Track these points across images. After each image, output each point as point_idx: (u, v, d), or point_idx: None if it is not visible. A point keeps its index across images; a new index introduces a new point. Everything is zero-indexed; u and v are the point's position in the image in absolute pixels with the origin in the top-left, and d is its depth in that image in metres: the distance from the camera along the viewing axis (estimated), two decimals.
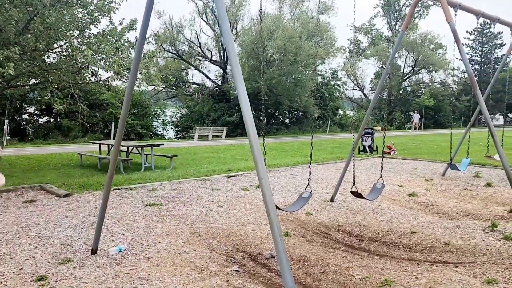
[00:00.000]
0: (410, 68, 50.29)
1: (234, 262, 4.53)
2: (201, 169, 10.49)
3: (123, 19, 10.42)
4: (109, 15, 9.74)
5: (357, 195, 5.15)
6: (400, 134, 32.08)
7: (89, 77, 9.82)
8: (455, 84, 55.45)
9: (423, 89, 51.60)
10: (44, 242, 4.83)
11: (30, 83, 11.10)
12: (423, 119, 45.96)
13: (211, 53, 32.28)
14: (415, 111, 43.60)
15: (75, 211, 6.28)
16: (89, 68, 9.16)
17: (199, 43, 31.72)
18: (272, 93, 27.49)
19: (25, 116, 23.86)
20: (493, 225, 5.21)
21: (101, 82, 9.87)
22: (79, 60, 8.13)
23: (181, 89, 32.29)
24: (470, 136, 9.70)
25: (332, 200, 7.01)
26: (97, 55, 8.30)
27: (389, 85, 48.48)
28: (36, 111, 24.05)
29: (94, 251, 4.50)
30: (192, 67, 32.36)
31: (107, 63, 8.08)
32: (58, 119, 23.71)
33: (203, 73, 32.71)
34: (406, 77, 51.05)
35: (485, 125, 44.48)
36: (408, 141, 22.90)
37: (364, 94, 52.48)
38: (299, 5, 30.39)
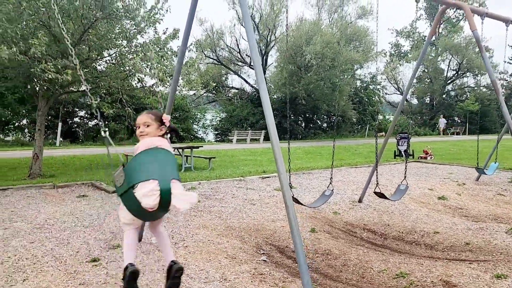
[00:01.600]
0: (454, 72, 48.79)
1: (263, 253, 4.96)
2: (238, 171, 11.01)
3: (167, 28, 11.14)
4: (154, 26, 10.48)
5: (380, 195, 5.44)
6: (441, 139, 31.35)
7: (135, 83, 10.61)
8: (502, 88, 53.15)
9: (467, 94, 49.91)
10: (96, 231, 5.47)
11: (82, 89, 12.07)
12: (467, 124, 44.52)
13: (250, 58, 32.97)
14: (441, 116, 42.47)
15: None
16: (136, 75, 9.91)
17: (239, 49, 32.52)
18: (310, 98, 27.75)
19: (76, 119, 25.46)
20: None
21: (145, 88, 10.62)
22: (128, 68, 8.88)
23: (221, 93, 33.19)
24: (500, 141, 9.65)
25: (360, 201, 7.29)
26: (143, 63, 9.00)
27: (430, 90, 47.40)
28: (86, 115, 25.59)
29: (139, 239, 5.07)
30: (231, 72, 33.19)
31: (153, 71, 8.77)
32: (106, 122, 25.11)
33: (242, 78, 33.52)
34: (449, 81, 49.57)
35: None
36: (448, 147, 22.46)
37: (405, 99, 51.33)
38: (338, 10, 30.51)
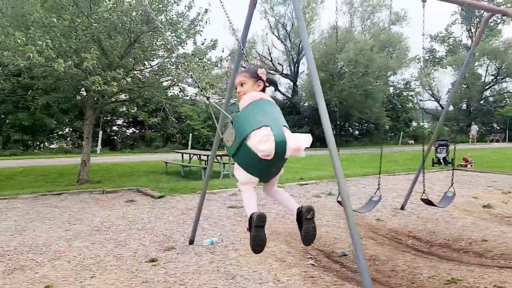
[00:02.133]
0: (493, 77, 47.35)
1: (310, 257, 5.09)
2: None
3: (205, 39, 11.50)
4: (194, 37, 10.86)
5: (428, 202, 5.47)
6: (480, 146, 30.46)
7: (177, 93, 11.01)
8: None
9: (507, 99, 48.24)
10: (149, 233, 5.77)
11: (121, 98, 12.59)
12: (507, 130, 43.02)
13: (282, 66, 33.27)
14: (473, 122, 40.90)
15: (170, 210, 7.24)
16: (179, 85, 10.30)
17: (271, 57, 32.87)
18: (342, 105, 27.68)
19: (114, 127, 26.38)
20: None
21: (186, 98, 11.00)
22: (170, 78, 9.26)
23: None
24: None
25: (402, 208, 7.30)
26: (186, 73, 9.36)
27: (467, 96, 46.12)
28: (124, 123, 26.48)
29: (191, 242, 5.32)
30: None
31: (196, 80, 9.10)
32: (143, 130, 25.92)
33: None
34: (487, 87, 48.13)
35: None
36: (488, 154, 21.84)
37: (440, 105, 50.25)
38: (371, 17, 30.38)
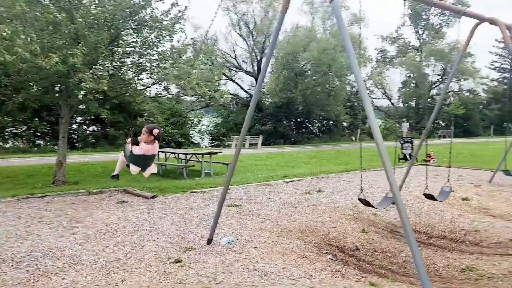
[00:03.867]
0: (439, 77, 50.22)
1: (326, 252, 5.30)
2: (259, 175, 11.32)
3: (186, 38, 11.37)
4: (173, 35, 10.71)
5: (430, 197, 5.86)
6: (432, 142, 32.24)
7: (161, 91, 10.86)
8: (484, 92, 55.04)
9: (451, 98, 51.37)
10: (162, 234, 5.73)
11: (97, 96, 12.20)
12: (453, 127, 45.83)
13: (246, 64, 33.40)
14: (403, 120, 40.73)
15: (170, 210, 7.19)
16: (162, 83, 10.16)
17: (235, 54, 32.92)
18: (305, 103, 28.27)
19: (74, 125, 25.29)
20: None
21: (170, 96, 10.87)
22: (159, 76, 9.12)
23: (214, 99, 33.39)
24: (508, 146, 10.21)
25: (393, 203, 7.69)
26: (173, 72, 9.25)
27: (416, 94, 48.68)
28: (84, 121, 25.46)
29: (209, 241, 5.36)
30: (226, 78, 33.47)
31: (184, 79, 9.05)
32: (106, 129, 25.09)
33: (237, 83, 33.83)
34: (434, 86, 50.97)
35: None
36: (442, 150, 23.19)
37: (391, 103, 52.62)
38: (331, 17, 31.18)
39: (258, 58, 32.12)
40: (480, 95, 53.52)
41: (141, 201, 8.00)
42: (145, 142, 4.33)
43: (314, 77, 27.02)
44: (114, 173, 4.94)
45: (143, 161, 4.43)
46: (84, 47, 8.15)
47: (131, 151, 4.35)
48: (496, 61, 55.74)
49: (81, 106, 23.99)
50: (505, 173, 9.45)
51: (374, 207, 5.13)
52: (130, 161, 4.42)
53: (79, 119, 25.65)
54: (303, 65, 28.11)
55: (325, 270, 4.52)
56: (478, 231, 6.12)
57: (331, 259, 5.05)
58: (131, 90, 10.21)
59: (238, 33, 32.37)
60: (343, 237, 5.83)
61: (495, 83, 55.68)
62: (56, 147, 21.92)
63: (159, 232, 5.85)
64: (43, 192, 8.78)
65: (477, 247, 5.61)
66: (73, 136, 25.78)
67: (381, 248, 5.46)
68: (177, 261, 4.72)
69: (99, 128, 25.64)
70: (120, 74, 10.80)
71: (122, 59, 10.43)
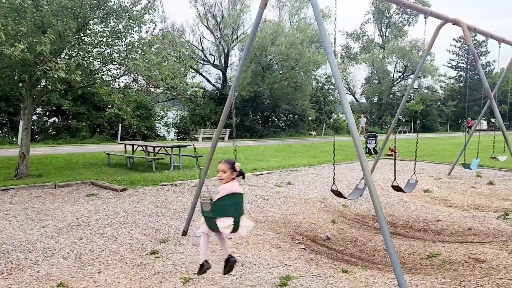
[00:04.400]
0: (400, 74, 51.91)
1: (299, 242, 5.48)
2: None
3: (154, 29, 11.21)
4: (144, 25, 10.55)
5: (398, 189, 6.15)
6: (391, 138, 33.33)
7: (129, 83, 10.67)
8: (442, 89, 57.44)
9: (412, 95, 53.22)
10: (135, 227, 5.71)
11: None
12: (412, 123, 47.59)
13: (214, 57, 33.17)
14: (362, 115, 40.94)
15: (141, 203, 7.15)
16: (131, 75, 10.00)
17: (202, 47, 32.63)
18: (272, 97, 28.49)
19: (33, 117, 24.36)
20: (505, 214, 6.28)
21: (140, 88, 10.71)
22: (128, 67, 8.96)
23: (185, 92, 33.05)
24: (467, 140, 10.78)
25: (361, 195, 7.99)
26: (143, 63, 9.11)
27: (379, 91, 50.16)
28: (44, 112, 24.56)
29: (184, 233, 5.41)
30: (193, 71, 33.17)
31: (156, 71, 8.95)
32: (68, 120, 24.33)
33: (204, 76, 33.58)
34: (396, 83, 52.65)
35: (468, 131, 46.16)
36: (403, 144, 24.09)
37: (355, 98, 53.93)
38: (298, 12, 31.52)
39: (226, 51, 32.02)
40: (438, 92, 55.89)
41: (111, 194, 7.90)
42: (225, 182, 3.43)
43: (281, 72, 27.25)
44: (201, 261, 3.62)
45: (231, 205, 3.36)
46: (53, 35, 7.89)
47: (210, 200, 3.25)
48: (453, 60, 58.21)
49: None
50: (464, 167, 9.98)
51: (346, 198, 5.33)
52: (214, 215, 3.28)
53: (39, 110, 24.71)
54: (271, 59, 28.25)
55: (299, 259, 4.68)
56: (439, 220, 6.49)
57: (304, 248, 5.22)
58: (98, 81, 9.95)
59: (205, 25, 32.11)
60: (315, 228, 6.03)
61: (452, 81, 58.25)
62: (15, 138, 21.18)
63: (133, 224, 5.84)
64: (6, 185, 8.49)
65: (438, 235, 5.95)
66: (33, 127, 24.84)
67: (351, 237, 5.69)
68: (153, 252, 4.75)
69: (61, 120, 24.83)
70: (86, 64, 10.57)
71: (89, 49, 10.16)
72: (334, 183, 5.15)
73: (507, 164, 11.70)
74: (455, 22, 6.51)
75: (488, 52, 56.53)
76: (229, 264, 3.66)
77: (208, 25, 31.79)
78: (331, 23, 33.86)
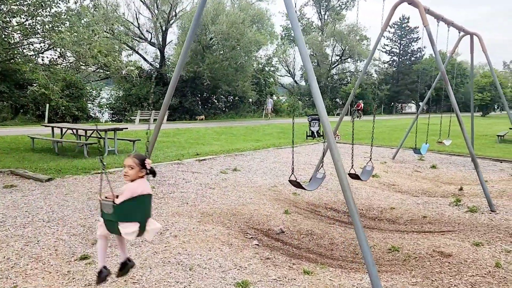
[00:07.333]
0: (338, 57, 52.96)
1: (251, 237, 5.00)
2: (169, 153, 10.62)
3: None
4: None
5: (355, 176, 5.85)
6: (332, 120, 33.99)
7: (55, 59, 9.44)
8: (376, 73, 59.61)
9: (348, 78, 54.71)
10: (63, 225, 4.90)
11: None
12: (349, 107, 49.00)
13: (151, 35, 31.40)
14: (268, 96, 36.61)
15: (70, 195, 6.27)
16: (57, 49, 8.82)
17: (138, 24, 30.71)
18: (212, 78, 27.61)
19: None
20: (457, 200, 6.24)
21: (68, 65, 9.52)
22: (54, 40, 7.80)
23: (119, 70, 31.02)
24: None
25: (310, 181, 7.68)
26: (71, 37, 8.03)
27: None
28: None
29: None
30: (128, 48, 31.21)
31: (85, 46, 7.90)
32: None
33: (140, 55, 31.75)
34: (334, 66, 53.70)
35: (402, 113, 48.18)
36: (344, 127, 24.48)
37: (295, 81, 54.36)
38: None
39: (164, 29, 30.41)
40: (373, 76, 57.90)
41: (35, 185, 6.88)
42: (131, 180, 2.93)
43: (222, 52, 26.37)
44: (98, 268, 3.11)
45: (137, 208, 2.92)
46: None
47: (113, 204, 2.80)
48: (387, 45, 60.49)
49: None
50: (414, 151, 10.03)
51: (305, 189, 4.92)
52: (116, 219, 2.83)
53: None
54: (211, 38, 27.24)
55: (254, 259, 4.20)
56: (393, 208, 6.32)
57: (257, 244, 4.75)
58: (19, 55, 8.67)
59: (141, 1, 30.20)
60: (267, 220, 5.58)
61: (386, 66, 60.61)
62: None
63: (59, 222, 5.01)
64: None
65: (394, 224, 5.76)
66: None
67: (306, 230, 5.31)
68: (84, 257, 4.03)
69: None
70: (4, 36, 9.19)
71: (7, 19, 8.81)
72: (292, 173, 4.70)
73: (447, 148, 12.03)
74: (411, 2, 6.26)
75: (419, 38, 59.40)
76: (126, 268, 3.29)
77: (144, 0, 29.93)
78: (272, 3, 33.54)
